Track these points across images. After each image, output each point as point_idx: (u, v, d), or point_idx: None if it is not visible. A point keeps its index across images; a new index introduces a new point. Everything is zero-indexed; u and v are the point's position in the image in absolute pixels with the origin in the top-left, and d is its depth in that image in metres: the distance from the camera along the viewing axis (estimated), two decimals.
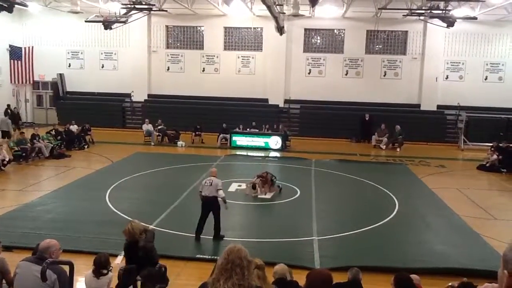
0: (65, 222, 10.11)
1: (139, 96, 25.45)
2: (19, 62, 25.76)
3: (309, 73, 25.20)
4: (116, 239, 9.00)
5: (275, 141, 20.58)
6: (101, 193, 12.27)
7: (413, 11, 18.55)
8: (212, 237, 9.20)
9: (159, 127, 21.69)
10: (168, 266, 6.85)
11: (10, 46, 25.37)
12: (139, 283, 6.07)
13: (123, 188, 13.19)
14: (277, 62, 24.74)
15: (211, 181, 9.14)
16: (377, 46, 25.08)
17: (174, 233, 9.54)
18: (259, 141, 20.79)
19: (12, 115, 22.56)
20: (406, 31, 24.38)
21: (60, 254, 4.84)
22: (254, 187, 12.61)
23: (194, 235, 9.17)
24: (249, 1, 20.95)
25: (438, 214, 11.67)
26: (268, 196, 12.62)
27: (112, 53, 26.22)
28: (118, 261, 7.82)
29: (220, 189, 9.11)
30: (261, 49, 25.26)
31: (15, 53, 25.61)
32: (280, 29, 20.62)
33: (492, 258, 8.20)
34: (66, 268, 4.51)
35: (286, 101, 24.98)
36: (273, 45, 24.59)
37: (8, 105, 23.51)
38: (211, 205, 9.10)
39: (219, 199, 9.16)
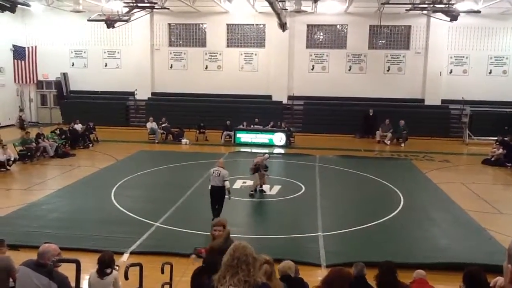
0: (70, 221, 10.17)
1: (143, 94, 25.50)
2: (23, 62, 25.84)
3: (312, 69, 25.15)
4: (122, 237, 9.10)
5: (279, 138, 20.56)
6: (106, 191, 12.32)
7: (416, 5, 18.43)
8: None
9: (163, 125, 21.71)
10: (174, 264, 6.89)
11: (13, 46, 25.46)
12: None
13: (128, 186, 13.24)
14: (280, 58, 24.70)
15: (219, 172, 9.91)
16: (380, 41, 24.97)
17: (180, 230, 9.58)
18: (263, 138, 20.78)
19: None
20: (409, 26, 24.26)
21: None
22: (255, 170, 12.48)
23: (199, 232, 9.25)
24: None
25: (443, 209, 11.64)
26: (273, 192, 12.63)
27: (115, 51, 26.25)
28: (125, 259, 7.87)
29: (227, 180, 9.91)
30: (264, 46, 25.22)
31: (18, 53, 25.69)
32: (283, 26, 20.56)
33: (497, 252, 8.18)
34: (69, 270, 4.50)
35: (289, 98, 24.94)
36: (275, 42, 24.54)
37: None
38: (218, 193, 9.91)
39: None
